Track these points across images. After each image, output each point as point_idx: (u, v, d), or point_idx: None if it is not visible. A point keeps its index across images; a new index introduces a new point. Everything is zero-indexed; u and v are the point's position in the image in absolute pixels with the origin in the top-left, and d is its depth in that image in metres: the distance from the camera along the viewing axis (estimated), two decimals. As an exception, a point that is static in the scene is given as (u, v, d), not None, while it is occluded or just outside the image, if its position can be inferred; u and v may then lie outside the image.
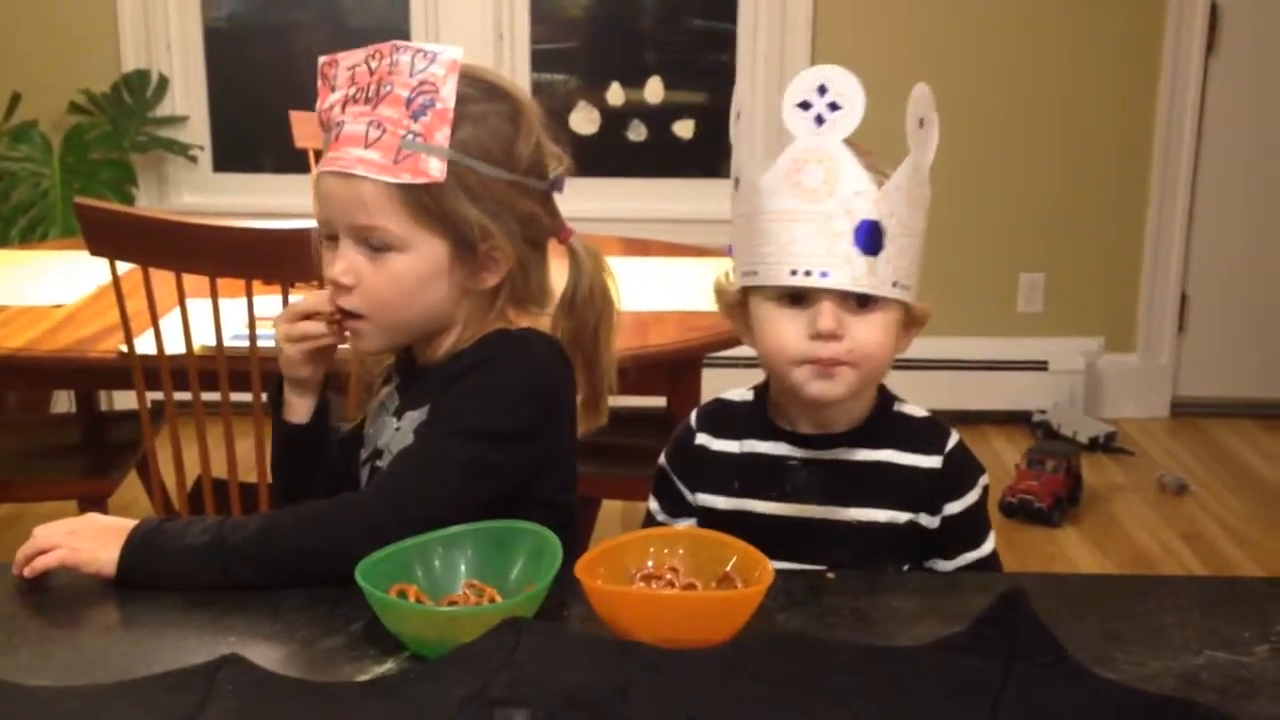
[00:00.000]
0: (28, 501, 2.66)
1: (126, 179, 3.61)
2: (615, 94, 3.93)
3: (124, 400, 3.14)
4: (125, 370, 1.93)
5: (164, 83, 3.75)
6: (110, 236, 1.84)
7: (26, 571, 1.14)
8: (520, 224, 1.25)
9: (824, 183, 1.15)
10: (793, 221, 1.16)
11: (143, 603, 1.12)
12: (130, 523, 1.17)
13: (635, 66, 3.94)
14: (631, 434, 2.56)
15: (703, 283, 2.46)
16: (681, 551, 1.13)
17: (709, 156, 3.97)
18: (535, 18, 3.82)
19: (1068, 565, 2.96)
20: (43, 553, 1.13)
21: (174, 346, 1.91)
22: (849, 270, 1.16)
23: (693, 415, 1.34)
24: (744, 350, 1.34)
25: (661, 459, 1.36)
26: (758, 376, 1.32)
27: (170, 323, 1.92)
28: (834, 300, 1.17)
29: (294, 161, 3.04)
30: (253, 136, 3.89)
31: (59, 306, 2.18)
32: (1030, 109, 3.73)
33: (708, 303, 2.30)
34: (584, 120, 3.95)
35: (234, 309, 1.89)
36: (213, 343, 1.87)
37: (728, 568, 1.10)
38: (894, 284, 1.18)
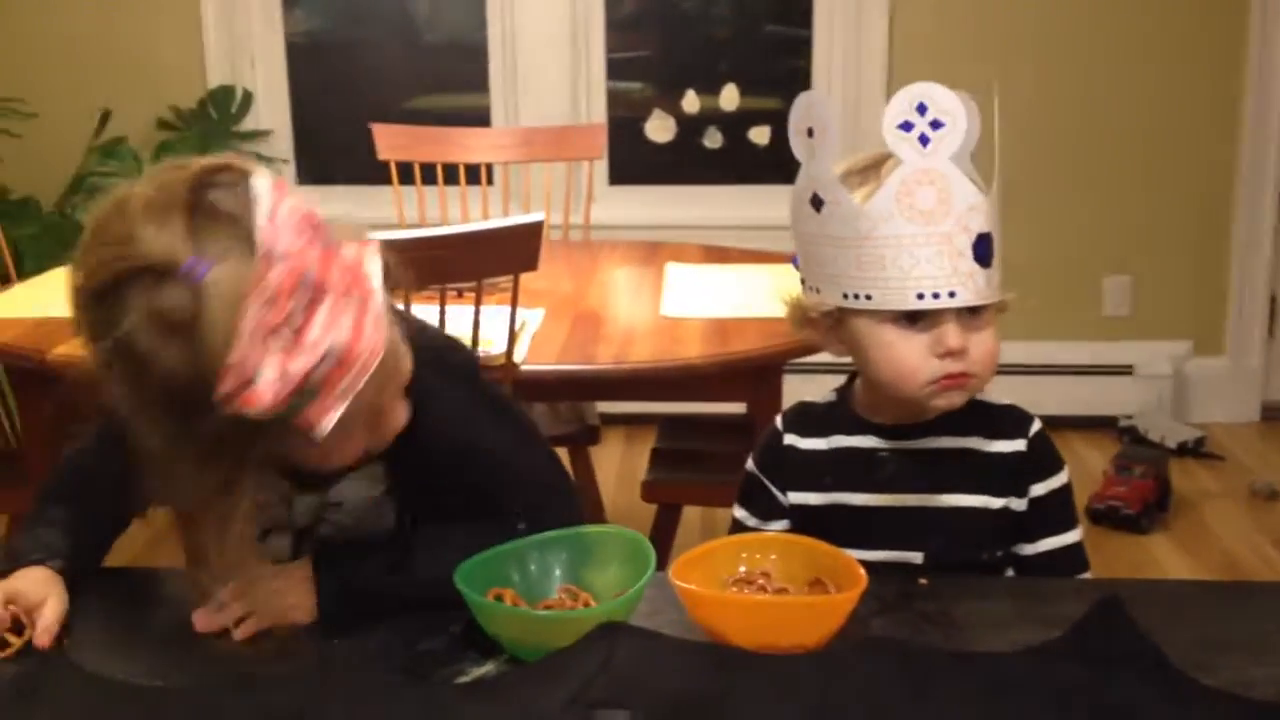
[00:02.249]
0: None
1: (213, 193, 3.67)
2: (690, 101, 3.94)
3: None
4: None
5: (248, 97, 3.82)
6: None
7: (237, 635, 1.12)
8: None
9: (939, 203, 1.16)
10: (912, 245, 1.16)
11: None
12: (297, 567, 1.16)
13: (710, 73, 3.95)
14: (711, 440, 2.58)
15: (783, 289, 2.49)
16: (773, 557, 1.14)
17: (785, 163, 3.94)
18: (610, 26, 3.85)
19: (1158, 572, 2.91)
20: (237, 617, 1.12)
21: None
22: (972, 285, 1.17)
23: (778, 419, 1.36)
24: (825, 356, 1.36)
25: (749, 465, 1.38)
26: (839, 381, 1.35)
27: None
28: (955, 316, 1.19)
29: (376, 172, 3.09)
30: (335, 149, 3.95)
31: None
32: (1114, 108, 3.68)
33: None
34: (659, 128, 3.96)
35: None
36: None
37: (819, 573, 1.10)
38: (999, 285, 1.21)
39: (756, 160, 3.96)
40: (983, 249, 1.17)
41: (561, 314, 2.27)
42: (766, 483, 1.35)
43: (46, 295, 2.43)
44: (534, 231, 1.84)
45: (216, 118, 3.78)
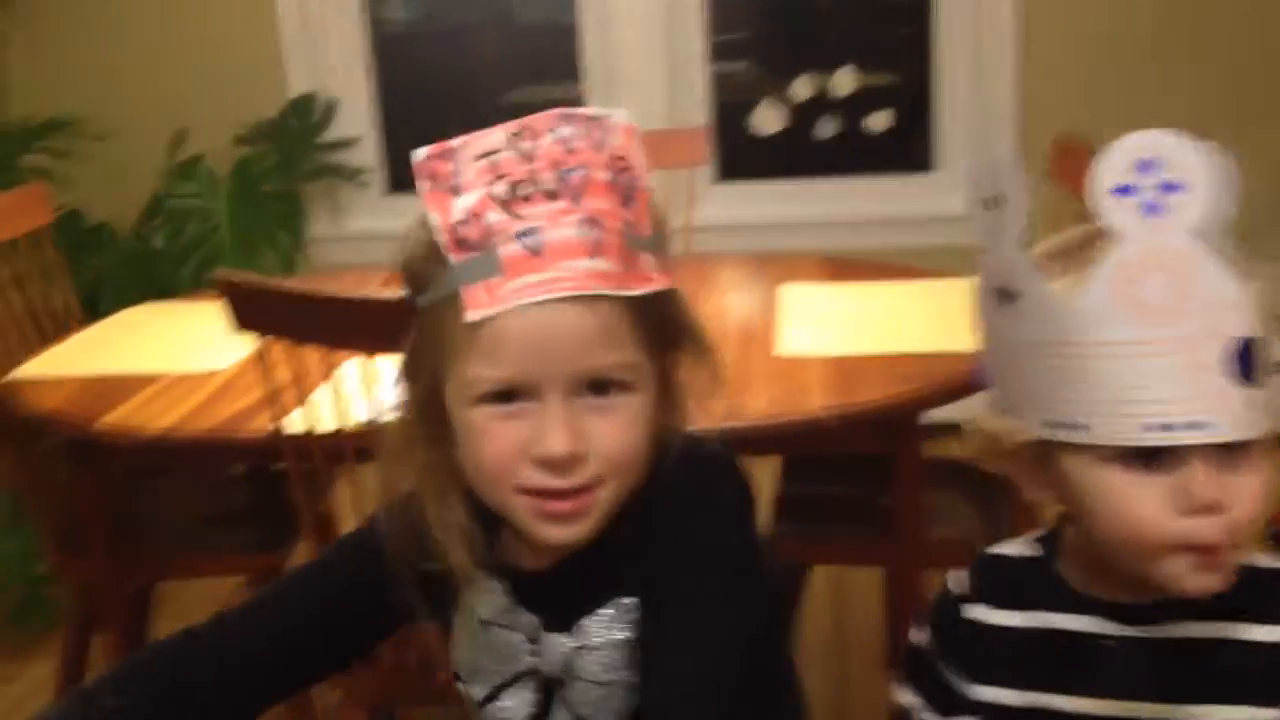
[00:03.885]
0: (197, 577, 2.53)
1: (296, 212, 3.49)
2: (801, 87, 3.64)
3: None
4: (279, 448, 1.76)
5: (331, 105, 3.62)
6: (254, 312, 1.65)
7: None
8: None
9: (1174, 296, 0.85)
10: (1139, 356, 0.85)
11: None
12: None
13: (821, 54, 3.64)
14: (841, 482, 2.29)
15: (914, 313, 2.20)
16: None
17: (907, 150, 3.65)
18: (711, 3, 3.55)
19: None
20: None
21: (331, 419, 1.72)
22: (1226, 412, 0.85)
23: (952, 577, 1.04)
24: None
25: (915, 636, 1.06)
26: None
27: (325, 396, 1.74)
28: (1204, 455, 0.86)
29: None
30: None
31: (213, 373, 2.03)
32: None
33: (923, 341, 2.04)
34: (767, 118, 3.67)
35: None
36: (366, 418, 1.67)
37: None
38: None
39: (875, 149, 3.64)
40: (1242, 360, 0.84)
41: (663, 355, 2.01)
42: (940, 666, 1.03)
43: (105, 346, 2.25)
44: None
45: (299, 127, 3.59)
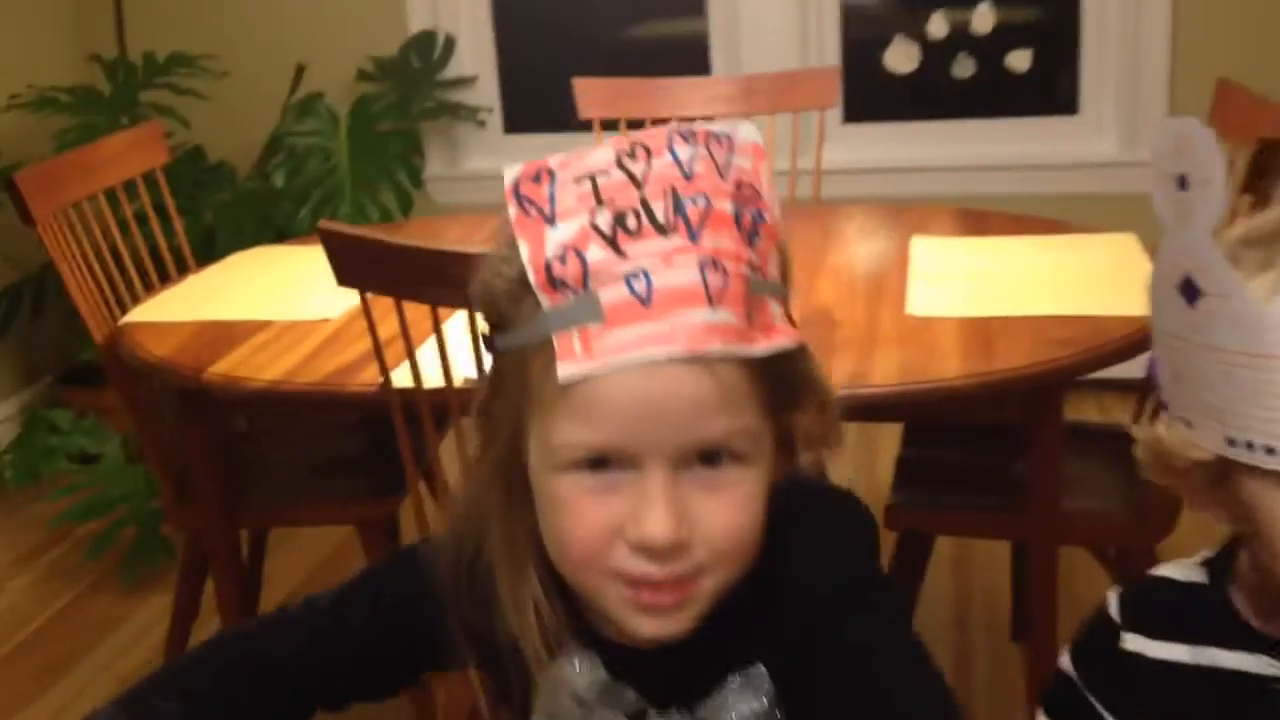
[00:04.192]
0: (307, 525, 2.52)
1: (414, 151, 3.43)
2: (937, 23, 3.46)
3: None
4: (385, 403, 1.70)
5: (451, 43, 3.54)
6: (358, 266, 1.59)
7: None
8: None
9: None
10: None
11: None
12: None
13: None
14: (971, 447, 2.17)
15: (1058, 271, 2.05)
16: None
17: (1048, 91, 3.45)
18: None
19: None
20: None
21: (436, 376, 1.66)
22: None
23: (1112, 601, 0.92)
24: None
25: (1066, 663, 0.95)
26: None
27: (430, 351, 1.67)
28: None
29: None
30: (544, 93, 3.64)
31: (324, 321, 1.98)
32: None
33: (1069, 302, 1.90)
34: (901, 57, 3.50)
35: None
36: (474, 374, 1.60)
37: None
38: None
39: (1015, 89, 3.45)
40: None
41: (787, 312, 1.90)
42: (1093, 700, 0.92)
43: (218, 290, 2.21)
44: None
45: (419, 66, 3.53)
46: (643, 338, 0.71)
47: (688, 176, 0.74)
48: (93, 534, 2.74)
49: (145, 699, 0.85)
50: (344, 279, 1.61)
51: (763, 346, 0.74)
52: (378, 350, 1.66)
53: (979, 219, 2.37)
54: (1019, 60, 3.44)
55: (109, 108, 3.28)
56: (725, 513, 0.75)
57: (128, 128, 2.95)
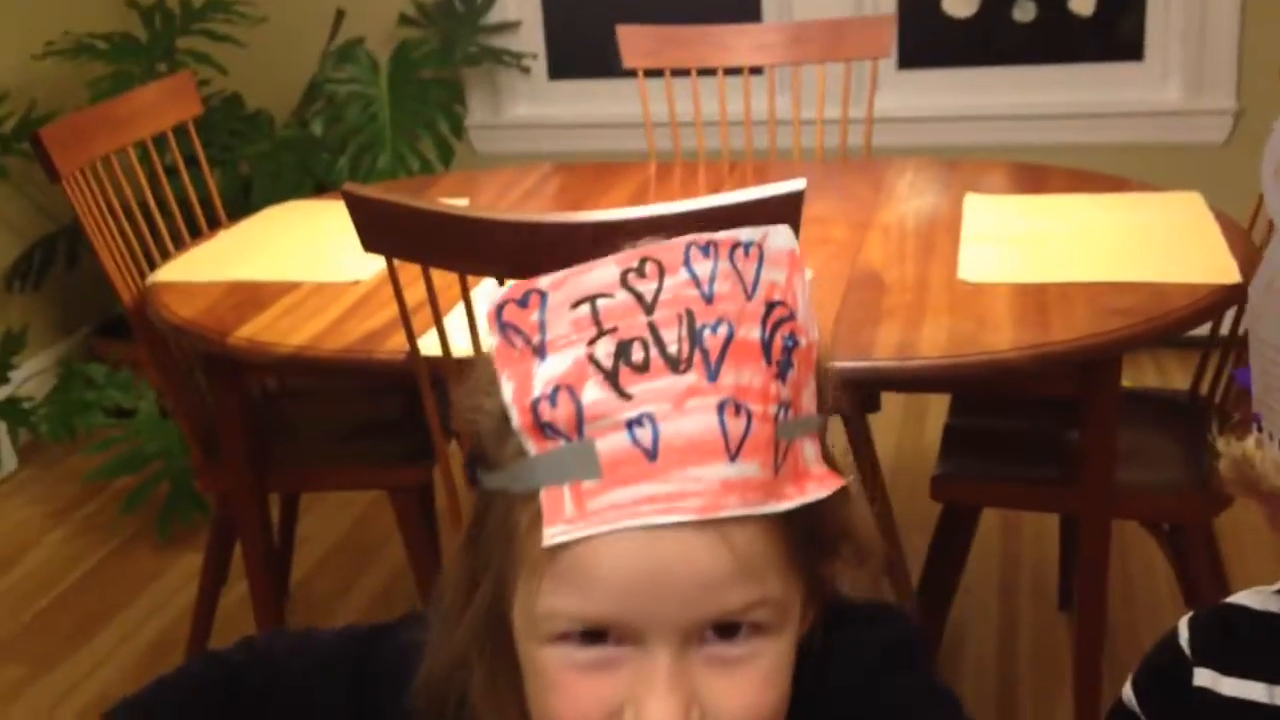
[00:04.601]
0: (337, 490, 2.48)
1: (456, 99, 3.36)
2: (997, -34, 3.33)
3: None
4: (413, 371, 1.65)
5: (494, -15, 3.46)
6: (384, 231, 1.53)
7: None
8: None
9: None
10: None
11: None
12: None
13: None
14: (1018, 414, 2.08)
15: (1121, 233, 1.95)
16: None
17: (1111, 35, 3.32)
18: None
19: None
20: None
21: (465, 345, 1.60)
22: None
23: (1183, 630, 0.84)
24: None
25: (1128, 696, 0.87)
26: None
27: (457, 320, 1.61)
28: None
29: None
30: (589, 39, 3.54)
31: (355, 283, 1.92)
32: None
33: (1132, 268, 1.81)
34: (960, 0, 3.37)
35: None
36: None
37: None
38: None
39: (1077, 34, 3.32)
40: None
41: (833, 276, 1.82)
42: None
43: (248, 247, 2.16)
44: (792, 205, 1.39)
45: (461, 11, 3.44)
46: (646, 498, 0.60)
47: (708, 299, 0.62)
48: (128, 489, 2.73)
49: None
50: (370, 244, 1.55)
51: (793, 500, 0.63)
52: (405, 318, 1.60)
53: (1036, 175, 2.27)
54: (1082, 4, 3.31)
55: (146, 54, 3.23)
56: (745, 693, 0.63)
57: (165, 75, 2.89)
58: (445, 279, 1.57)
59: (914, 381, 1.65)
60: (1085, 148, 3.14)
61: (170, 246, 2.21)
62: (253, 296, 1.90)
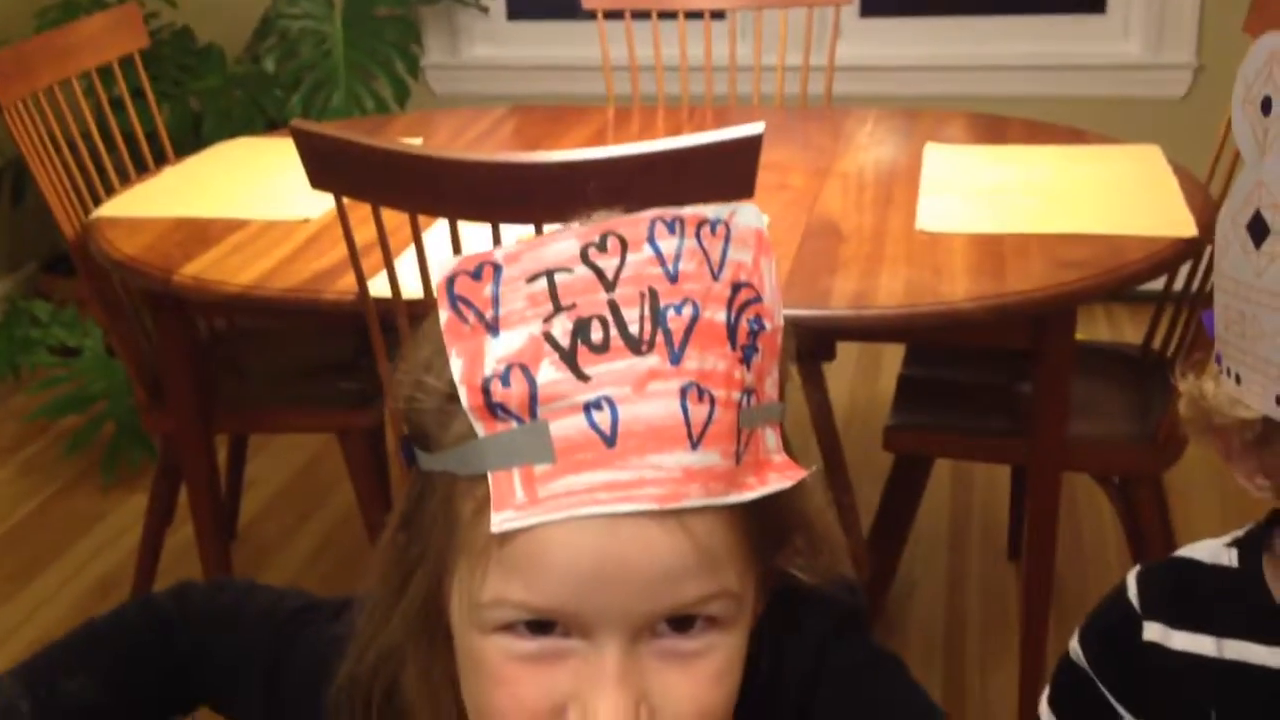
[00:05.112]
0: (285, 432, 2.45)
1: (412, 38, 3.29)
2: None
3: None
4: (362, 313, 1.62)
5: (452, -79, 3.39)
6: (333, 168, 1.49)
7: None
8: None
9: None
10: None
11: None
12: None
13: None
14: (975, 368, 2.08)
15: (1079, 185, 1.95)
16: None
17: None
18: None
19: None
20: None
21: (416, 287, 1.58)
22: None
23: (1131, 584, 0.83)
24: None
25: (1075, 650, 0.86)
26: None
27: (409, 261, 1.58)
28: None
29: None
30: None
31: (304, 221, 1.89)
32: None
33: (1089, 219, 1.80)
34: (923, -52, 3.34)
35: (478, 238, 1.53)
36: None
37: None
38: None
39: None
40: None
41: (790, 223, 1.81)
42: (1106, 693, 0.84)
43: (196, 184, 2.12)
44: (749, 149, 1.37)
45: (418, -54, 3.37)
46: (603, 485, 0.57)
47: (672, 278, 0.59)
48: (73, 429, 2.68)
49: (48, 674, 0.77)
50: (318, 181, 1.51)
51: (754, 491, 0.60)
52: (354, 258, 1.57)
53: (996, 126, 2.26)
54: (1047, -47, 3.29)
55: (94, -16, 3.15)
56: (697, 689, 0.61)
57: (113, 7, 2.82)
58: (397, 219, 1.54)
59: (870, 331, 1.64)
60: (1046, 99, 3.13)
61: (116, 182, 2.16)
62: (199, 233, 1.86)
